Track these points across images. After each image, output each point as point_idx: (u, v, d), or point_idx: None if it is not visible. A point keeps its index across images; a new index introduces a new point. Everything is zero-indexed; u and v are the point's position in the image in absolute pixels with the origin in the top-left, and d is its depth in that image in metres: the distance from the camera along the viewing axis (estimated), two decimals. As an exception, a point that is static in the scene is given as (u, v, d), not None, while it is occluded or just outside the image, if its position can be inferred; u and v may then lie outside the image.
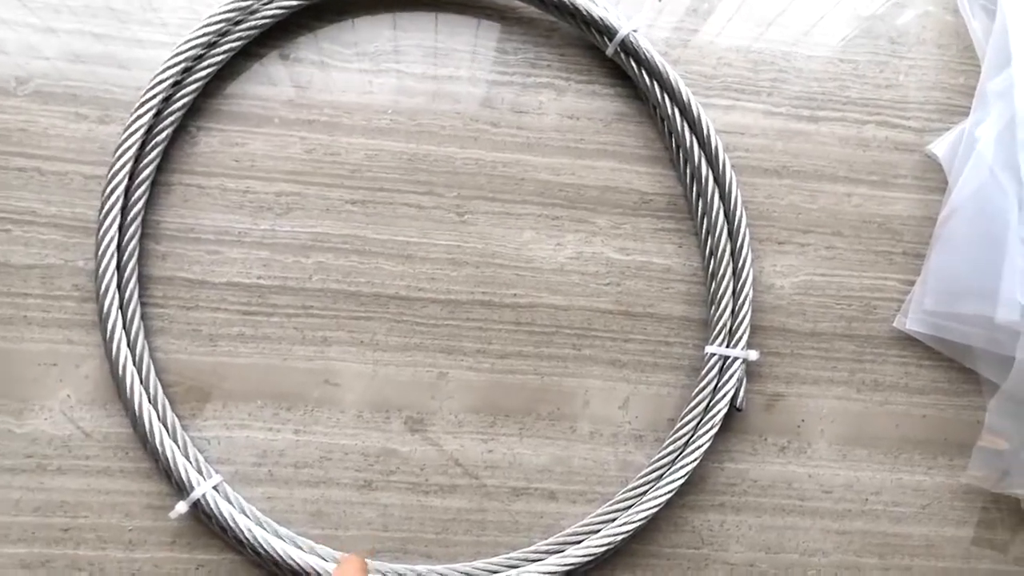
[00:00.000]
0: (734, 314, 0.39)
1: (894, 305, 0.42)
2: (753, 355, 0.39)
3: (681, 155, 0.41)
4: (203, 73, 0.37)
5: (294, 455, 0.38)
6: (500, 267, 0.40)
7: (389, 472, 0.38)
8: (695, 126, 0.40)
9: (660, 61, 0.40)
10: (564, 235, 0.41)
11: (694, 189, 0.41)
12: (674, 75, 0.40)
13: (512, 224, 0.40)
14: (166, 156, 0.38)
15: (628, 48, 0.40)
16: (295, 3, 0.38)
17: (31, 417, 0.36)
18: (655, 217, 0.41)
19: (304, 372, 0.38)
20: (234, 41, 0.38)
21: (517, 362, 0.40)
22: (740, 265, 0.40)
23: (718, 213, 0.40)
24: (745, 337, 0.39)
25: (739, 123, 0.43)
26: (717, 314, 0.39)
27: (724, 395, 0.38)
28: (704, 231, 0.41)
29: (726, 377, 0.39)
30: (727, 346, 0.39)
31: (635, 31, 0.40)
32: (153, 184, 0.38)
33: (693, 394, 0.39)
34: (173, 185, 0.38)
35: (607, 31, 0.40)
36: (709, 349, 0.39)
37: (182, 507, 0.35)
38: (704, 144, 0.40)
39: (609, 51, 0.40)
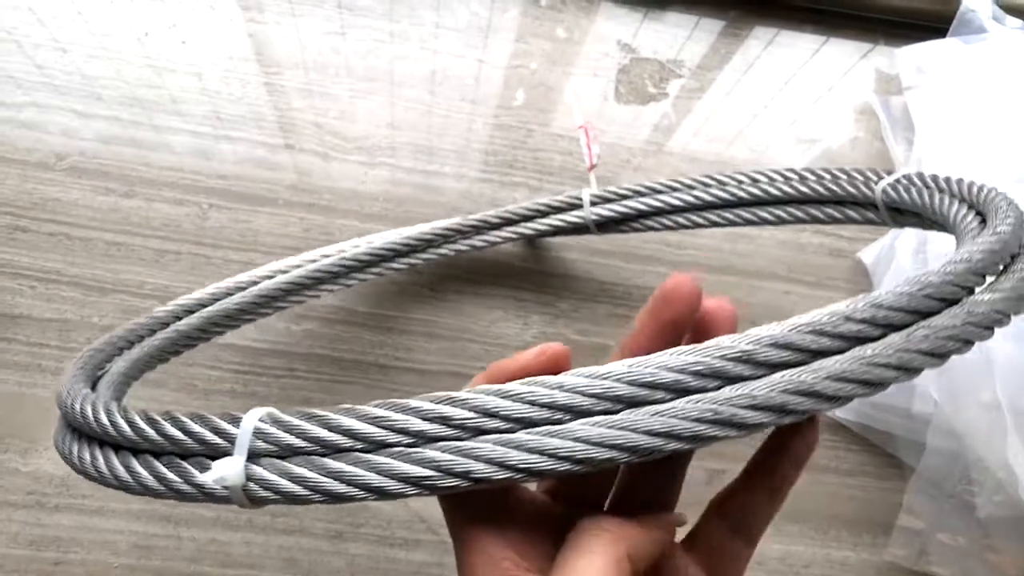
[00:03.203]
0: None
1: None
2: None
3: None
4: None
5: (273, 505, 0.41)
6: (470, 342, 0.45)
7: (358, 525, 0.42)
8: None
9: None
10: (530, 315, 0.45)
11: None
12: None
13: (483, 303, 0.45)
14: (178, 228, 0.43)
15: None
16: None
17: (35, 456, 0.40)
18: (612, 303, 0.46)
19: (287, 428, 0.42)
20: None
21: (481, 428, 0.43)
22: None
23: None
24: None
25: (690, 225, 0.48)
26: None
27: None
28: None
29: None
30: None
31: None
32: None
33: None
34: (182, 255, 0.43)
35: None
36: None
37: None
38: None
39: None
